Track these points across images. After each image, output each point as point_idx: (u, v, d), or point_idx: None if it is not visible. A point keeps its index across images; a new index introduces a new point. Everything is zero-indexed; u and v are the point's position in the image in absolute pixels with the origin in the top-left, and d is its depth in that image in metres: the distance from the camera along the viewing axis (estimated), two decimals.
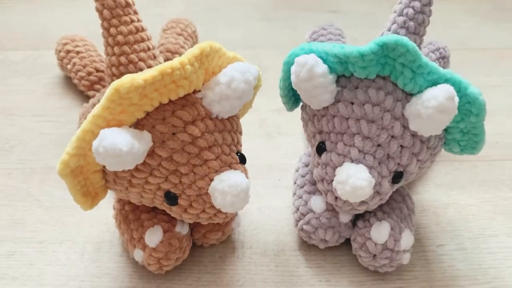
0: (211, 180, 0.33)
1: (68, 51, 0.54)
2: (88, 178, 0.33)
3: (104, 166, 0.33)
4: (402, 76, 0.33)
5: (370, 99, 0.34)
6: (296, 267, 0.39)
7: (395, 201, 0.39)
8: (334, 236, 0.39)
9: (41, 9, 0.69)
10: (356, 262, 0.39)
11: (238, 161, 0.35)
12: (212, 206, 0.33)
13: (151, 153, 0.32)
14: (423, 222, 0.43)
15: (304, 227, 0.39)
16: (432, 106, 0.31)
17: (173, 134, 0.32)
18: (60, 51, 0.55)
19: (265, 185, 0.46)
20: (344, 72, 0.35)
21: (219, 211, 0.34)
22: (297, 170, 0.43)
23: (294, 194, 0.42)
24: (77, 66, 0.53)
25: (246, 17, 0.69)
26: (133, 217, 0.38)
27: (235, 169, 0.34)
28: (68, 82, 0.57)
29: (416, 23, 0.43)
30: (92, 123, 0.30)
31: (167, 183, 0.33)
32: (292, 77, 0.35)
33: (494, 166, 0.48)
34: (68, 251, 0.40)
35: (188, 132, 0.32)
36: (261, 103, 0.51)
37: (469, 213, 0.44)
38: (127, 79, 0.29)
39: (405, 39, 0.32)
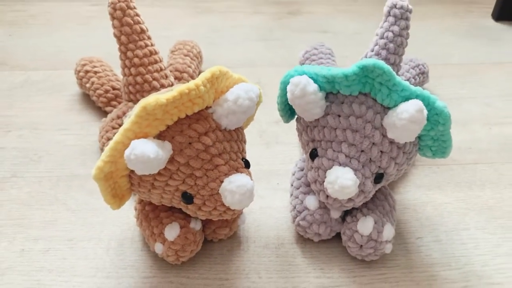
0: (221, 182, 0.39)
1: (87, 71, 0.61)
2: (116, 182, 0.40)
3: (130, 172, 0.39)
4: (380, 93, 0.40)
5: (354, 112, 0.40)
6: (294, 258, 0.45)
7: (378, 199, 0.46)
8: (326, 230, 0.45)
9: (57, 32, 0.76)
10: (345, 253, 0.46)
11: (244, 166, 0.41)
12: (222, 204, 0.39)
13: (171, 160, 0.38)
14: (404, 218, 0.49)
15: (301, 222, 0.45)
16: (405, 117, 0.38)
17: (189, 143, 0.38)
18: (79, 71, 0.61)
19: (266, 188, 0.52)
20: (331, 90, 0.41)
21: (228, 209, 0.40)
22: (293, 174, 0.49)
23: (291, 194, 0.48)
24: (95, 84, 0.60)
25: (245, 38, 0.76)
26: (153, 215, 0.44)
27: (241, 172, 0.40)
28: (86, 99, 0.63)
29: (395, 44, 0.50)
30: (123, 135, 0.36)
31: (184, 185, 0.39)
32: (288, 95, 0.41)
33: (467, 169, 0.55)
34: (95, 247, 0.46)
35: (202, 141, 0.39)
36: (261, 116, 0.58)
37: (445, 210, 0.50)
38: (152, 99, 0.35)
39: (381, 63, 0.38)
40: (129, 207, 0.49)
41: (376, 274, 0.44)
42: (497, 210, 0.50)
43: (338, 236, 0.46)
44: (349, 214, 0.45)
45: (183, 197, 0.39)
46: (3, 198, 0.50)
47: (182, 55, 0.64)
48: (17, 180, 0.52)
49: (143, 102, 0.36)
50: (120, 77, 0.61)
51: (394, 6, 0.51)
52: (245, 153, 0.43)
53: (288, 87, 0.41)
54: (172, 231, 0.42)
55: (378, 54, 0.51)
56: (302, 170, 0.49)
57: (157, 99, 0.36)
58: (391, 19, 0.51)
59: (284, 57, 0.72)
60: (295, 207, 0.46)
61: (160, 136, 0.38)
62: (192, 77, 0.63)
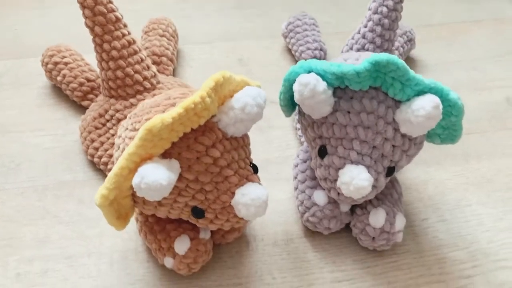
0: (233, 193, 0.37)
1: (56, 63, 0.55)
2: (120, 203, 0.37)
3: (133, 191, 0.36)
4: (392, 87, 0.38)
5: (365, 108, 0.39)
6: (305, 253, 0.45)
7: (386, 188, 0.45)
8: (336, 224, 0.44)
9: (12, 14, 0.68)
10: (355, 243, 0.45)
11: (252, 172, 0.39)
12: (235, 216, 0.37)
13: (179, 178, 0.35)
14: (408, 199, 0.49)
15: (310, 218, 0.44)
16: (422, 115, 0.36)
17: (197, 158, 0.36)
18: (47, 64, 0.56)
19: (265, 179, 0.50)
20: (339, 85, 0.39)
21: (241, 219, 0.38)
22: (296, 166, 0.48)
23: (296, 188, 0.46)
24: (67, 77, 0.54)
25: (219, 8, 0.71)
26: (158, 228, 0.41)
27: (251, 180, 0.38)
28: (58, 91, 0.58)
29: (390, 20, 0.48)
30: (128, 160, 0.33)
31: (194, 200, 0.37)
32: (296, 95, 0.38)
33: (461, 140, 0.54)
34: (97, 262, 0.43)
35: (210, 155, 0.36)
36: None
37: (446, 187, 0.50)
38: (157, 120, 0.32)
39: (395, 58, 0.36)
40: None
41: (388, 262, 0.44)
42: (496, 182, 0.51)
43: (346, 226, 0.46)
44: (358, 206, 0.44)
45: (193, 212, 0.37)
46: None
47: (157, 35, 0.59)
48: None
49: (148, 125, 0.32)
50: (93, 66, 0.56)
51: None
52: (250, 156, 0.40)
53: (296, 87, 0.38)
54: (182, 245, 0.40)
55: (372, 31, 0.49)
56: (305, 162, 0.47)
57: (162, 119, 0.33)
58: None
59: (264, 27, 0.68)
60: (302, 203, 0.45)
61: (165, 154, 0.35)
62: (172, 60, 0.58)
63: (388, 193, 0.45)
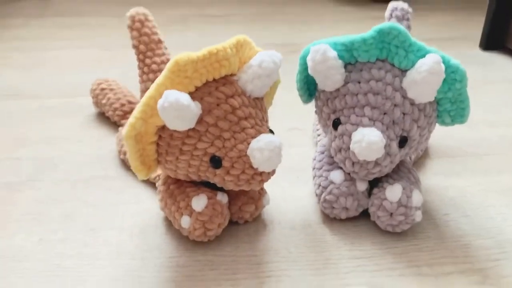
0: (249, 144, 0.39)
1: (103, 89, 0.63)
2: (145, 149, 0.40)
3: (158, 139, 0.39)
4: (397, 56, 0.42)
5: (373, 76, 0.42)
6: (323, 235, 0.44)
7: (402, 172, 0.46)
8: (353, 204, 0.44)
9: (69, 72, 0.79)
10: (374, 229, 0.45)
11: (269, 131, 0.41)
12: (251, 167, 0.39)
13: (200, 121, 0.38)
14: (428, 199, 0.49)
15: (327, 197, 0.45)
16: (424, 70, 0.39)
17: (218, 104, 0.39)
18: (95, 90, 0.63)
19: (287, 180, 0.52)
20: (349, 60, 0.43)
21: (256, 173, 0.39)
22: (314, 159, 0.49)
23: (314, 176, 0.48)
24: (111, 99, 0.61)
25: None
26: (178, 192, 0.43)
27: None
28: (101, 118, 0.64)
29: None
30: (156, 90, 0.37)
31: (213, 147, 0.39)
32: (309, 63, 0.43)
33: (481, 159, 0.56)
34: (118, 234, 0.44)
35: (229, 103, 0.39)
36: (274, 124, 0.59)
37: (467, 192, 0.50)
38: (184, 55, 0.37)
39: (396, 25, 0.41)
40: (149, 200, 0.48)
41: (409, 245, 0.43)
42: None
43: (364, 214, 0.45)
44: (375, 186, 0.45)
45: (211, 161, 0.39)
46: (20, 198, 0.49)
47: None
48: (33, 183, 0.51)
49: (176, 57, 0.37)
50: (135, 93, 0.63)
51: (395, 9, 0.55)
52: (268, 123, 0.43)
53: (309, 56, 0.43)
54: (199, 202, 0.41)
55: None
56: (323, 153, 0.49)
57: (188, 54, 0.37)
58: (393, 20, 0.54)
59: (290, 81, 0.75)
60: (320, 184, 0.46)
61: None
62: None
63: (405, 176, 0.45)
